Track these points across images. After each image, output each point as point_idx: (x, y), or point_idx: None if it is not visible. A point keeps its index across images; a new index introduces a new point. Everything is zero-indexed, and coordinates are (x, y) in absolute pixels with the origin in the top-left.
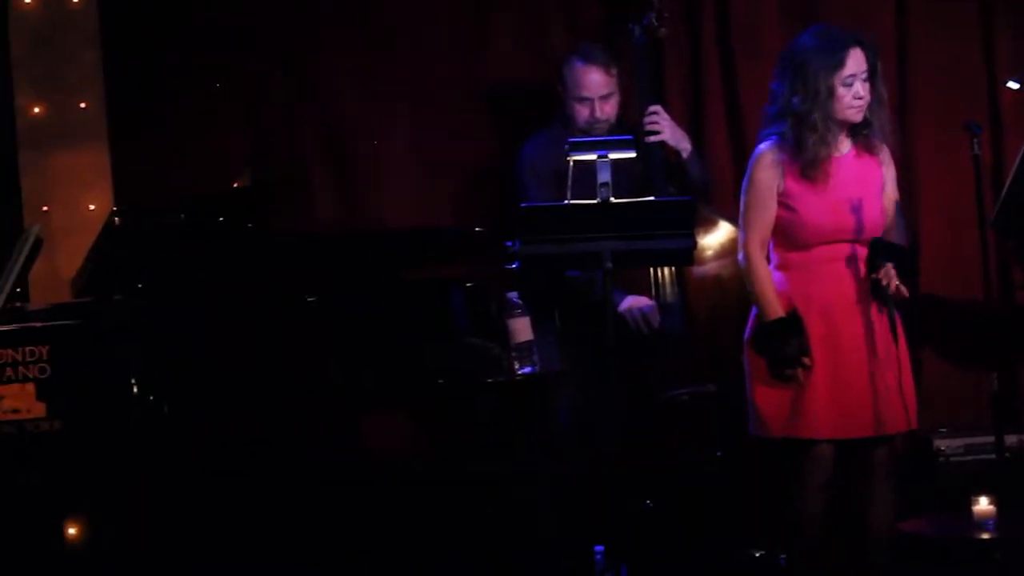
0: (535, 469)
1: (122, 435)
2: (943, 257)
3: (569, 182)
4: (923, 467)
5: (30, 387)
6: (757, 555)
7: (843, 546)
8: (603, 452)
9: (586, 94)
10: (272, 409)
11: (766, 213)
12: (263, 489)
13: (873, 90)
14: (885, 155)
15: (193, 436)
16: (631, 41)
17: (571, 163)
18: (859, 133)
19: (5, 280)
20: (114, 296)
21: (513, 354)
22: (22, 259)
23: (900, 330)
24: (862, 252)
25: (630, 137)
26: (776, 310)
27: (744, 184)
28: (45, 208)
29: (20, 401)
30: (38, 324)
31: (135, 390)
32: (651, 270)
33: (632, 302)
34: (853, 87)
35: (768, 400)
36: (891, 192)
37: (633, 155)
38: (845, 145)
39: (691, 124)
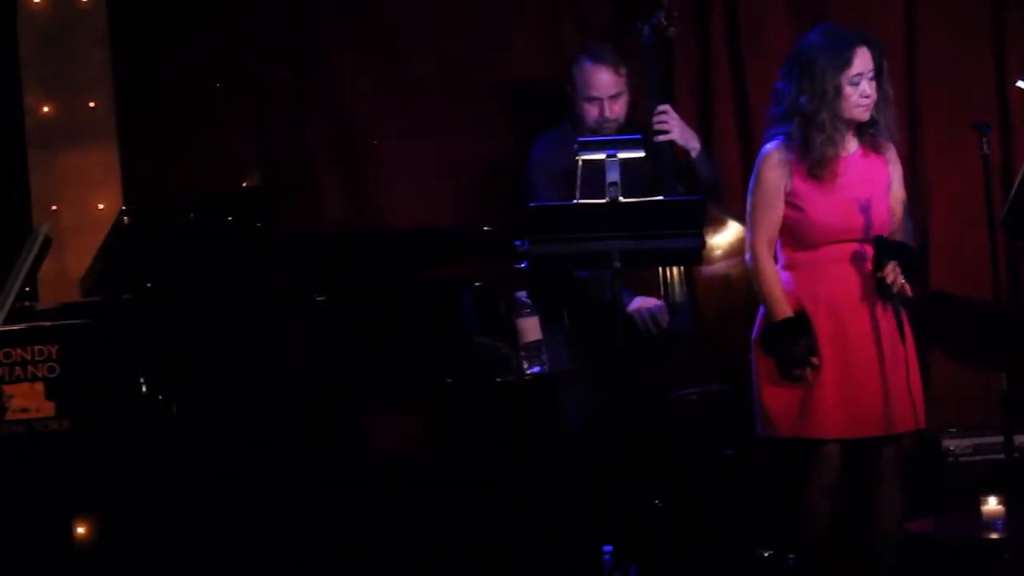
0: (542, 469)
1: (130, 434)
2: (952, 257)
3: (578, 181)
4: (932, 467)
5: (39, 386)
6: (765, 555)
7: (851, 546)
8: (612, 452)
9: (595, 94)
10: (281, 408)
11: (773, 213)
12: (270, 489)
13: (879, 89)
14: (892, 154)
15: (201, 435)
16: (640, 40)
17: (580, 162)
18: (865, 132)
19: (14, 279)
20: (123, 295)
21: (522, 353)
22: (31, 258)
23: (907, 329)
24: (870, 251)
25: (639, 136)
26: (784, 310)
27: (751, 184)
28: (54, 207)
29: (29, 400)
30: (47, 323)
31: (144, 389)
32: (660, 269)
33: (641, 303)
34: (860, 86)
35: (776, 400)
36: (898, 191)
37: (642, 154)
38: (852, 144)
39: (700, 123)
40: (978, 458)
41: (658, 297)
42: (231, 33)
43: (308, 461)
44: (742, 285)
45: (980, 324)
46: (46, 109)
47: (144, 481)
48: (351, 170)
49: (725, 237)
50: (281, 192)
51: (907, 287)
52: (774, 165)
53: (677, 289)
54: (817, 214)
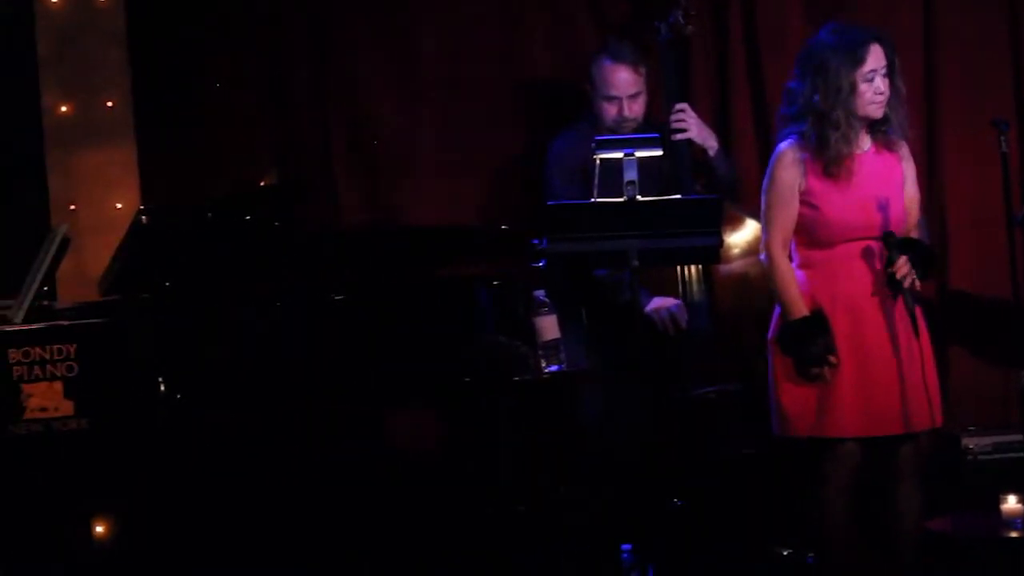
0: (561, 468)
1: (149, 433)
2: (970, 255)
3: (596, 180)
4: (951, 465)
5: (58, 385)
6: (785, 554)
7: (870, 545)
8: (630, 451)
9: (614, 93)
10: (298, 407)
11: (788, 212)
12: (288, 487)
13: (892, 86)
14: (905, 151)
15: (220, 434)
16: (658, 39)
17: (598, 161)
18: (878, 130)
19: (33, 279)
20: (141, 295)
21: (540, 352)
22: (49, 258)
23: (922, 325)
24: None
25: (657, 135)
26: (800, 309)
27: (765, 183)
28: (72, 207)
29: (48, 399)
30: (65, 323)
31: (162, 388)
32: (678, 268)
33: (659, 303)
34: (874, 82)
35: (793, 400)
36: (911, 189)
37: (660, 153)
38: (865, 142)
39: (717, 122)
40: (997, 456)
41: (676, 296)
42: (248, 32)
43: (327, 460)
44: (760, 284)
45: (999, 322)
46: (64, 109)
47: (162, 480)
48: (368, 169)
49: (743, 236)
50: (299, 191)
51: (917, 282)
52: (788, 164)
53: (695, 288)
54: (833, 212)
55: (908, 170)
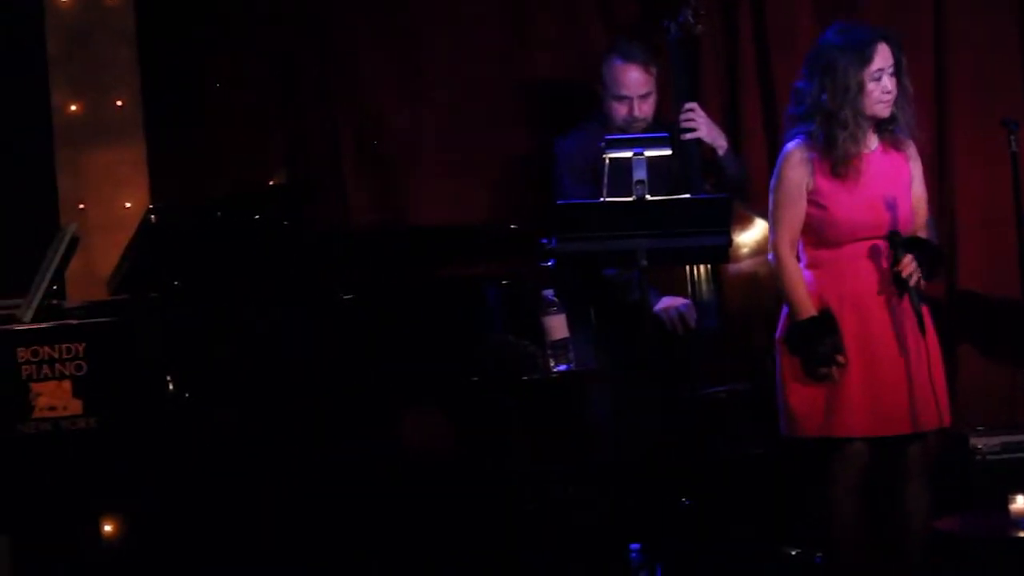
0: (570, 468)
1: (157, 433)
2: (979, 255)
3: (605, 179)
4: (959, 465)
5: (66, 384)
6: (793, 553)
7: (878, 544)
8: (639, 450)
9: (625, 92)
10: (306, 406)
11: (796, 211)
12: (296, 486)
13: (899, 85)
14: (912, 150)
15: (229, 434)
16: (667, 38)
17: (607, 160)
18: (885, 129)
19: (42, 278)
20: (150, 294)
21: (549, 352)
22: (58, 257)
23: (928, 324)
24: None
25: (666, 135)
26: (808, 309)
27: (772, 183)
28: (81, 206)
29: (57, 398)
30: (74, 321)
31: (170, 387)
32: (687, 268)
33: (669, 302)
34: (881, 81)
35: (801, 400)
36: (919, 188)
37: (669, 152)
38: (873, 141)
39: (727, 121)
40: (1006, 456)
41: (685, 296)
42: (256, 33)
43: (334, 459)
44: (769, 283)
45: (1008, 322)
46: (73, 108)
47: (171, 479)
48: (377, 169)
49: (752, 235)
50: (307, 191)
51: (923, 281)
52: (796, 164)
53: (704, 287)
54: (841, 212)
55: (915, 169)
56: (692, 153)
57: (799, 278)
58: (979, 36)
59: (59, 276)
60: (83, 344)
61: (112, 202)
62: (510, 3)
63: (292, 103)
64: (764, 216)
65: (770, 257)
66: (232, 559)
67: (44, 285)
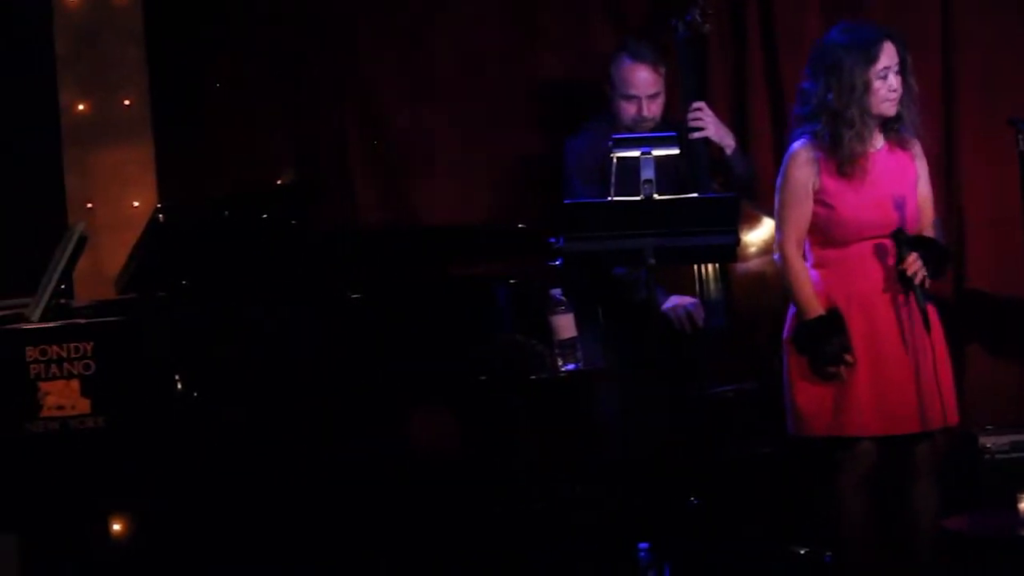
0: (577, 467)
1: (165, 432)
2: (988, 254)
3: (612, 179)
4: (968, 464)
5: (75, 383)
6: (802, 552)
7: (886, 543)
8: (647, 449)
9: (634, 92)
10: (314, 406)
11: (802, 211)
12: (304, 485)
13: (904, 83)
14: (917, 149)
15: (236, 433)
16: (675, 37)
17: (614, 159)
18: (891, 128)
19: (50, 277)
20: (158, 293)
21: (556, 351)
22: (67, 256)
23: (934, 322)
24: None
25: (674, 134)
26: (816, 308)
27: (778, 183)
28: (89, 205)
29: (65, 397)
30: (82, 321)
31: (178, 386)
32: (695, 267)
33: (676, 301)
34: (888, 80)
35: (809, 399)
36: (924, 187)
37: (677, 152)
38: (878, 140)
39: (735, 120)
40: (1014, 455)
41: (693, 295)
42: (265, 30)
43: (341, 459)
44: (777, 282)
45: (1016, 321)
46: (81, 107)
47: (179, 478)
48: (385, 168)
49: (759, 234)
50: (315, 190)
51: (928, 280)
52: (802, 163)
53: (712, 286)
54: (848, 211)
55: (921, 168)
56: (700, 152)
57: (806, 278)
58: (986, 35)
59: (67, 275)
60: (91, 343)
61: (120, 201)
62: (517, 2)
63: (300, 103)
64: (772, 215)
65: (776, 257)
66: (240, 558)
67: (52, 284)
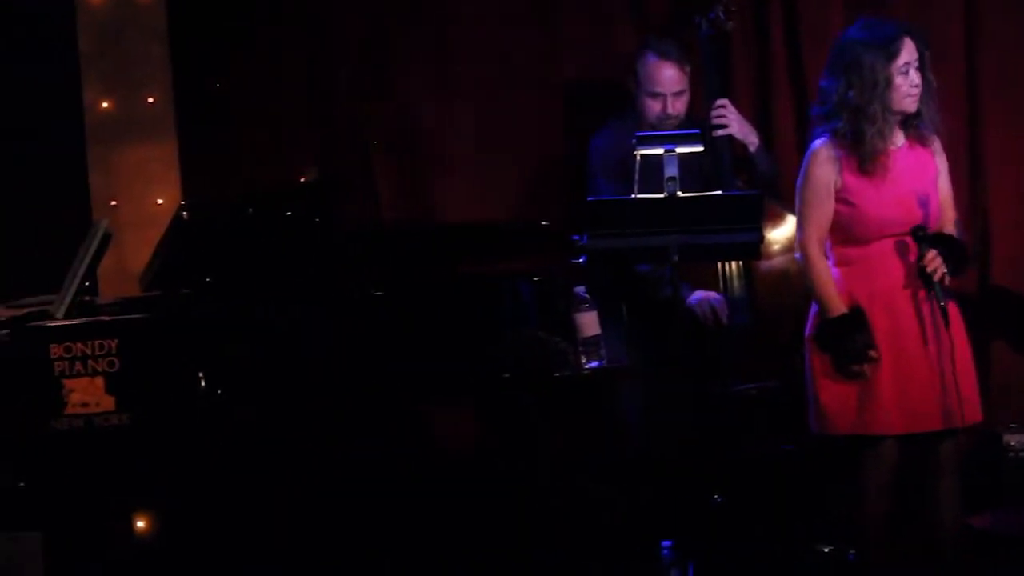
0: (601, 464)
1: (189, 429)
2: (1012, 253)
3: (636, 176)
4: (991, 462)
5: (99, 381)
6: (826, 550)
7: (910, 541)
8: (670, 447)
9: (659, 89)
10: (337, 403)
11: (823, 210)
12: (325, 483)
13: (923, 79)
14: (937, 145)
15: (259, 430)
16: (698, 35)
17: (638, 157)
18: (911, 124)
19: (74, 274)
20: (182, 290)
21: (580, 348)
22: (91, 253)
23: (955, 320)
24: None
25: (697, 131)
26: (838, 306)
27: (799, 182)
28: (113, 203)
29: (89, 395)
30: (107, 318)
31: (202, 384)
32: (719, 264)
33: (702, 295)
34: (909, 75)
35: (833, 397)
36: (945, 184)
37: (700, 149)
38: (899, 138)
39: (758, 117)
40: None
41: (717, 292)
42: (289, 28)
43: (362, 457)
44: (800, 280)
45: None
46: (105, 105)
47: (203, 476)
48: (408, 165)
49: (783, 232)
50: (338, 188)
51: (947, 277)
52: (823, 161)
53: (736, 284)
54: (870, 208)
55: (942, 165)
56: (723, 150)
57: (828, 276)
58: (1011, 35)
59: (91, 273)
60: (116, 340)
61: (144, 199)
62: (540, 1)
63: (323, 101)
64: (795, 213)
65: (797, 256)
66: (257, 556)
67: (77, 282)
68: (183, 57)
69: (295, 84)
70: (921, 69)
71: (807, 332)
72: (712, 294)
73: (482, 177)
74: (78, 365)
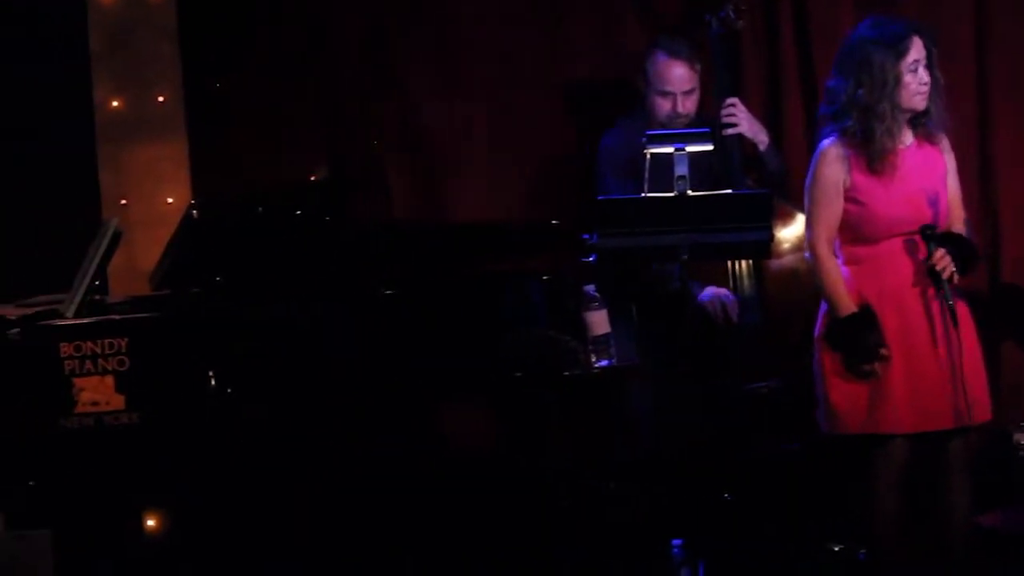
0: (611, 463)
1: (199, 428)
2: (1022, 256)
3: (646, 175)
4: (1001, 461)
5: (109, 379)
6: (836, 549)
7: (920, 539)
8: (680, 446)
9: (669, 88)
10: (348, 402)
11: (832, 209)
12: (336, 481)
13: (931, 77)
14: (945, 144)
15: (270, 428)
16: (708, 33)
17: (648, 156)
18: (919, 123)
19: (84, 273)
20: (192, 289)
21: (590, 347)
22: (101, 252)
23: (963, 319)
24: None
25: (707, 130)
26: (848, 306)
27: (808, 181)
28: (123, 201)
29: (99, 393)
30: (117, 317)
31: (212, 382)
32: (729, 263)
33: (714, 292)
34: (918, 73)
35: (843, 396)
36: (953, 183)
37: (710, 148)
38: (908, 136)
39: (768, 116)
40: None
41: (728, 290)
42: (299, 27)
43: (376, 454)
44: (810, 279)
45: None
46: (115, 104)
47: (213, 474)
48: (419, 163)
49: (793, 230)
50: (349, 186)
51: (956, 276)
52: (831, 160)
53: (746, 283)
54: (879, 207)
55: (950, 163)
56: (733, 148)
57: (838, 275)
58: (1020, 37)
59: (101, 272)
60: (126, 339)
61: (154, 198)
62: (550, 0)
63: (333, 99)
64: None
65: (807, 255)
66: (274, 553)
67: (87, 281)
68: (193, 56)
69: (305, 83)
70: (929, 67)
71: (817, 331)
72: (724, 291)
73: (493, 176)
74: (88, 364)
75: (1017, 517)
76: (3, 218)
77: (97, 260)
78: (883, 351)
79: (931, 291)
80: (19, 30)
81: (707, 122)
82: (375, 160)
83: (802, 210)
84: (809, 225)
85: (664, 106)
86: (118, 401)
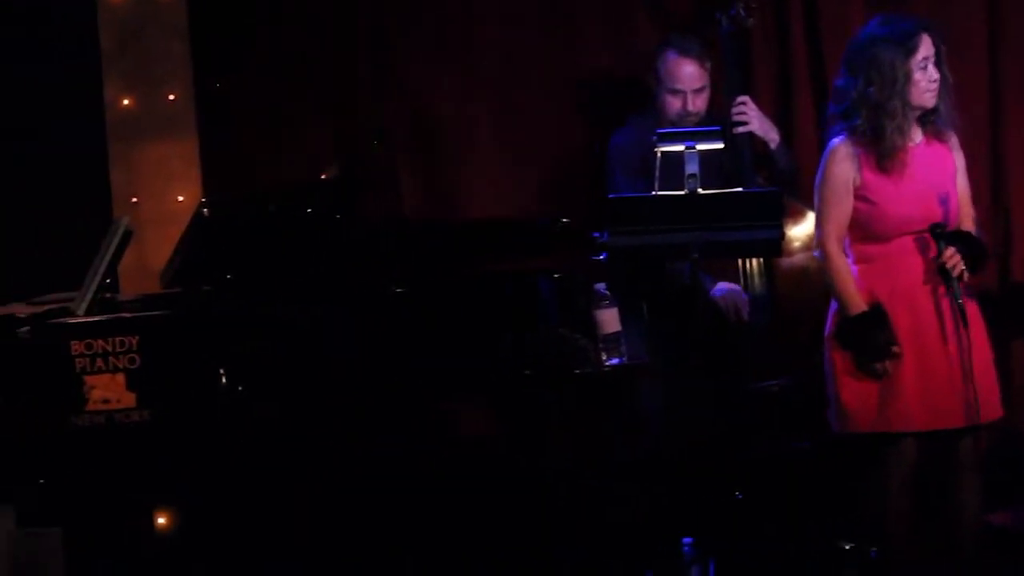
0: (622, 462)
1: (210, 426)
2: None
3: (657, 173)
4: (1013, 460)
5: (120, 377)
6: (847, 548)
7: (931, 538)
8: (691, 444)
9: (680, 86)
10: (357, 400)
11: (842, 208)
12: (343, 480)
13: (940, 74)
14: (954, 141)
15: (280, 426)
16: (719, 31)
17: (659, 154)
18: (928, 120)
19: (95, 271)
20: (203, 287)
21: (601, 345)
22: (112, 250)
23: (973, 317)
24: None
25: (718, 128)
26: (859, 304)
27: (818, 180)
28: (134, 200)
29: (110, 391)
30: (128, 315)
31: (223, 380)
32: (740, 262)
33: (726, 288)
34: (927, 70)
35: (854, 395)
36: (962, 181)
37: (721, 146)
38: (917, 134)
39: (779, 114)
40: None
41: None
42: (309, 25)
43: (383, 453)
44: (820, 277)
45: None
46: (126, 102)
47: (223, 472)
48: (429, 162)
49: (804, 229)
50: (360, 184)
51: (966, 274)
52: (841, 159)
53: (756, 281)
54: (889, 206)
55: (959, 161)
56: (744, 147)
57: (848, 274)
58: None
59: (112, 270)
60: (137, 337)
61: (164, 196)
62: None
63: (344, 97)
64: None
65: (817, 254)
66: (284, 551)
67: (98, 279)
68: (204, 54)
69: (315, 80)
70: (938, 64)
71: (827, 330)
72: (736, 288)
73: (503, 175)
74: (99, 362)
75: None
76: (14, 216)
77: (108, 258)
78: (895, 349)
79: (942, 289)
80: (29, 29)
81: (718, 120)
82: (385, 159)
83: (812, 208)
84: (819, 224)
85: (675, 104)
86: (129, 399)
